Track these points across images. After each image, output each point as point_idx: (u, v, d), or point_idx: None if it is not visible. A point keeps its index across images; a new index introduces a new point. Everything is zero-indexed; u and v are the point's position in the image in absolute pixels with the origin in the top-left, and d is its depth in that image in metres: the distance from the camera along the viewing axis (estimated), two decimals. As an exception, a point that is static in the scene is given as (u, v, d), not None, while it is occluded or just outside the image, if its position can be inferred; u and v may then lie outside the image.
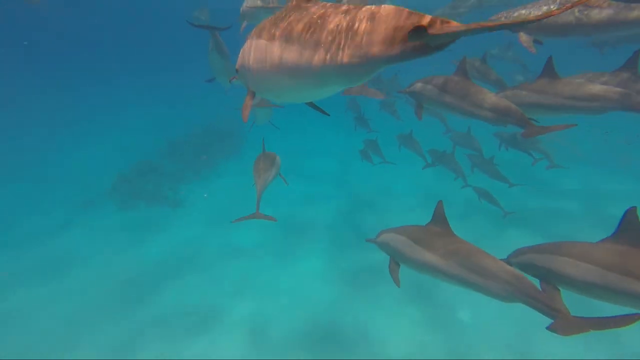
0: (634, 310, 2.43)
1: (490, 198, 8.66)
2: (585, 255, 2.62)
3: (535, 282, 2.89)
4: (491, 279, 2.78)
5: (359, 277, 7.35)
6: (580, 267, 2.60)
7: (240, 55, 2.55)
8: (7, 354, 5.85)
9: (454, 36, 1.36)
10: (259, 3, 6.28)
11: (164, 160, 13.22)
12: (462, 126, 9.27)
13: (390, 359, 5.63)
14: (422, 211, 9.56)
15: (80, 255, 8.45)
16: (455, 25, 1.35)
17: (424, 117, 5.78)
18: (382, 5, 1.56)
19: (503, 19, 4.30)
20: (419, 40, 1.40)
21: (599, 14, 3.65)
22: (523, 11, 4.05)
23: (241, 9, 6.47)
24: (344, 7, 1.72)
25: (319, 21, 1.76)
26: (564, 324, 2.48)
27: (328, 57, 1.69)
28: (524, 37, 4.09)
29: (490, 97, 3.72)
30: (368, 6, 1.61)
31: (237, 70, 2.68)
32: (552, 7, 3.94)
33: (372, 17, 1.55)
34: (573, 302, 2.91)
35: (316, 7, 1.91)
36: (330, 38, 1.67)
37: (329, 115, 3.00)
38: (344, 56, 1.63)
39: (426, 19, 1.41)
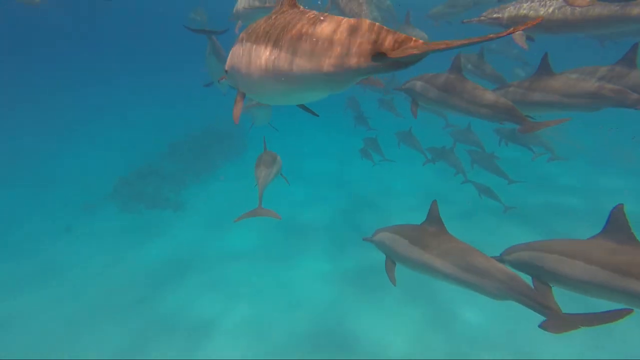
0: (622, 306, 2.45)
1: (491, 193, 8.69)
2: (575, 253, 2.64)
3: (528, 279, 2.90)
4: (485, 277, 2.82)
5: (360, 277, 7.34)
6: (570, 264, 2.62)
7: (229, 56, 2.58)
8: (8, 355, 5.91)
9: (416, 57, 1.44)
10: (257, 3, 6.25)
11: (164, 162, 13.24)
12: (462, 121, 9.24)
13: (391, 359, 5.64)
14: (423, 210, 9.50)
15: (81, 258, 8.46)
16: (415, 46, 1.43)
17: (422, 114, 5.75)
18: (360, 19, 1.63)
19: (495, 15, 4.28)
20: (382, 62, 1.49)
21: (592, 11, 3.62)
22: (511, 8, 4.02)
23: (234, 9, 6.45)
24: (327, 17, 1.78)
25: (303, 28, 1.80)
26: (555, 322, 2.51)
27: (311, 64, 1.74)
28: (516, 35, 4.08)
29: (485, 94, 3.72)
30: (347, 18, 1.69)
31: (226, 71, 2.71)
32: (547, 4, 3.91)
33: (350, 30, 1.62)
34: (570, 299, 2.90)
35: (302, 14, 1.95)
36: (313, 46, 1.72)
37: (317, 115, 3.05)
38: (325, 65, 1.68)
39: (388, 42, 1.50)
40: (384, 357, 5.64)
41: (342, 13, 6.52)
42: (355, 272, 7.49)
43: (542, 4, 3.96)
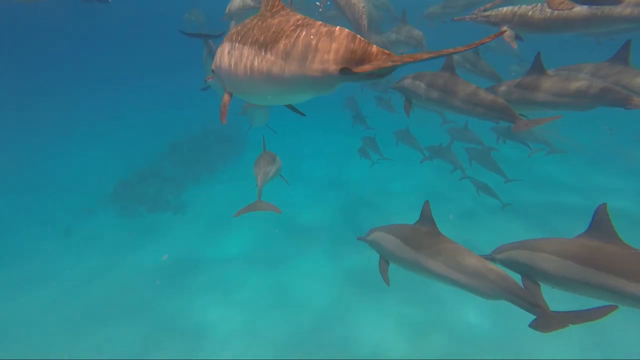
0: (607, 303, 2.53)
1: (489, 190, 8.72)
2: (562, 251, 2.71)
3: (518, 277, 2.94)
4: (476, 277, 2.86)
5: (360, 277, 7.33)
6: (557, 262, 2.69)
7: (216, 56, 2.61)
8: (7, 356, 5.95)
9: (383, 71, 1.50)
10: (251, 3, 6.29)
11: (164, 164, 13.24)
12: (460, 118, 9.25)
13: (391, 359, 5.64)
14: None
15: (80, 262, 8.46)
16: (382, 61, 1.50)
17: (420, 112, 5.77)
18: (339, 27, 1.70)
19: (485, 13, 4.30)
20: (351, 76, 1.54)
21: (580, 12, 3.63)
22: (504, 9, 4.04)
23: (227, 9, 6.48)
24: (313, 22, 1.84)
25: (289, 31, 1.85)
26: (545, 320, 2.58)
27: (295, 68, 1.78)
28: (506, 33, 4.09)
29: (478, 93, 3.73)
30: (330, 26, 1.74)
31: (213, 71, 2.74)
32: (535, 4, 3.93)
33: (331, 36, 1.68)
34: (560, 298, 2.91)
35: (289, 17, 1.99)
36: (298, 50, 1.77)
37: (304, 115, 3.11)
38: (309, 69, 1.73)
39: (356, 56, 1.58)
40: (384, 358, 5.65)
41: (340, 9, 6.56)
42: (355, 273, 7.50)
43: (531, 4, 3.97)
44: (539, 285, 2.85)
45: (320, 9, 7.49)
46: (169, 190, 11.60)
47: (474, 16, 4.41)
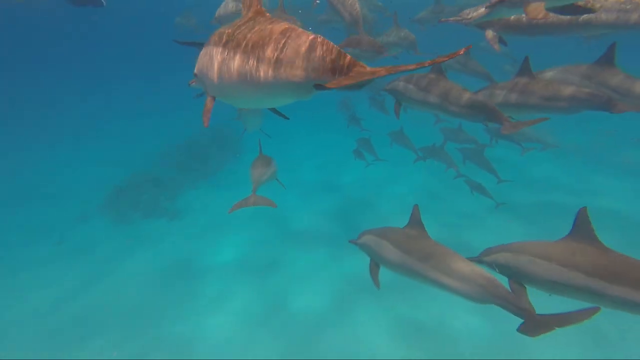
0: (590, 305, 2.60)
1: (483, 190, 8.79)
2: (545, 254, 2.78)
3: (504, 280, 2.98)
4: (465, 281, 2.92)
5: (356, 281, 7.26)
6: (541, 265, 2.76)
7: (198, 59, 2.62)
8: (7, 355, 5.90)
9: (355, 86, 1.55)
10: (241, 8, 6.30)
11: (159, 170, 13.13)
12: (452, 118, 9.32)
13: (391, 359, 5.63)
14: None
15: (73, 271, 8.33)
16: (358, 74, 1.56)
17: (414, 113, 5.81)
18: (320, 36, 1.75)
19: (470, 16, 4.37)
20: (325, 89, 1.58)
21: (561, 17, 3.70)
22: (482, 9, 4.07)
23: (217, 13, 6.49)
24: (293, 27, 1.88)
25: (270, 37, 1.88)
26: (533, 324, 2.63)
27: (276, 73, 1.82)
28: (489, 35, 4.16)
29: (467, 95, 3.79)
30: (310, 33, 1.78)
31: (195, 75, 2.74)
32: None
33: (311, 44, 1.72)
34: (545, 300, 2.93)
35: (269, 23, 2.02)
36: (278, 55, 1.80)
37: (288, 118, 3.15)
38: (290, 75, 1.77)
39: (334, 65, 1.63)
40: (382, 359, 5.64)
41: (333, 7, 6.62)
42: (351, 276, 7.41)
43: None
44: (525, 287, 2.90)
45: (315, 4, 7.52)
46: (164, 196, 11.51)
47: (459, 19, 4.49)
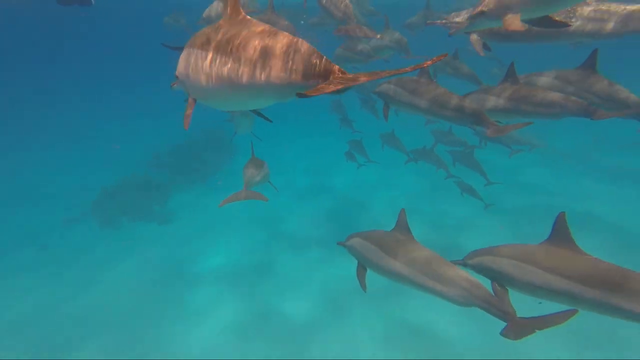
0: (568, 308, 2.68)
1: (472, 191, 8.94)
2: (525, 257, 2.86)
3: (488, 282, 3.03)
4: (450, 285, 2.97)
5: (348, 284, 7.21)
6: (521, 268, 2.84)
7: (179, 62, 2.62)
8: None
9: (336, 91, 1.54)
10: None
11: (150, 173, 12.98)
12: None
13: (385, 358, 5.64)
14: (410, 213, 9.57)
15: (57, 277, 8.10)
16: (339, 80, 1.57)
17: (403, 115, 5.84)
18: (302, 40, 1.76)
19: (456, 19, 4.44)
20: (306, 97, 1.58)
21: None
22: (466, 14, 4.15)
23: (205, 14, 6.48)
24: (273, 30, 1.89)
25: (251, 40, 1.89)
26: (515, 328, 2.69)
27: (256, 74, 1.83)
28: (474, 39, 4.24)
29: (454, 99, 3.88)
30: (292, 36, 1.80)
31: (176, 77, 2.73)
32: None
33: (293, 47, 1.74)
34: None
35: (251, 25, 2.03)
36: (259, 57, 1.82)
37: (271, 121, 3.18)
38: (269, 77, 1.78)
39: (315, 70, 1.64)
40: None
41: (323, 7, 6.67)
42: (345, 279, 7.32)
43: None
44: (507, 290, 2.97)
45: (305, 4, 7.54)
46: (154, 200, 11.37)
47: (445, 21, 4.55)
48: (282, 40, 1.79)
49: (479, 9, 3.43)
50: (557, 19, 3.43)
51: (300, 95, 1.56)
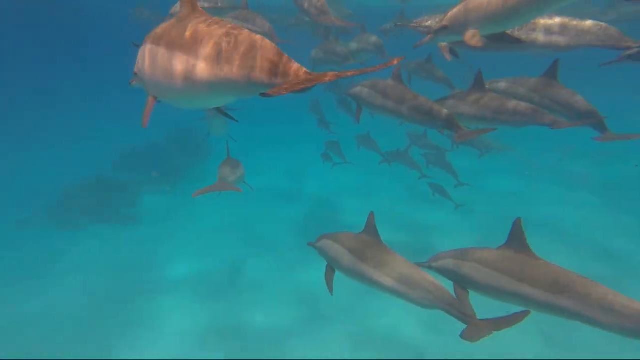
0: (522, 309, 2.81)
1: (444, 192, 9.22)
2: (484, 261, 3.00)
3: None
4: (414, 288, 3.04)
5: (318, 290, 7.06)
6: (481, 271, 2.97)
7: (138, 58, 2.54)
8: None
9: (300, 91, 1.55)
10: (205, 5, 6.14)
11: (116, 174, 12.43)
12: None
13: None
14: (380, 217, 9.69)
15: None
16: (302, 79, 1.57)
17: (379, 117, 5.88)
18: (262, 37, 1.75)
19: (425, 24, 4.55)
20: (269, 96, 1.57)
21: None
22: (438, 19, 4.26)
23: (172, 10, 6.27)
24: (231, 26, 1.87)
25: (210, 35, 1.86)
26: (473, 329, 2.79)
27: (214, 71, 1.81)
28: (441, 45, 4.39)
29: (424, 102, 3.99)
30: (254, 34, 1.78)
31: (135, 74, 2.65)
32: None
33: (254, 44, 1.71)
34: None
35: (206, 20, 2.00)
36: (218, 54, 1.79)
37: (237, 121, 3.20)
38: (229, 73, 1.76)
39: (277, 68, 1.63)
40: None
41: (300, 8, 6.65)
42: (315, 285, 6.89)
43: None
44: (468, 293, 3.10)
45: None
46: (118, 201, 10.83)
47: (415, 25, 4.65)
48: (241, 37, 1.76)
49: (441, 24, 3.55)
50: (512, 35, 3.69)
51: (263, 95, 1.54)
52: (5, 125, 18.22)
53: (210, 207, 10.11)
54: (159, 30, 2.29)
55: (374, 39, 7.55)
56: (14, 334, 6.28)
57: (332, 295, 3.70)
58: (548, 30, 3.96)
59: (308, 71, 1.61)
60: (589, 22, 3.85)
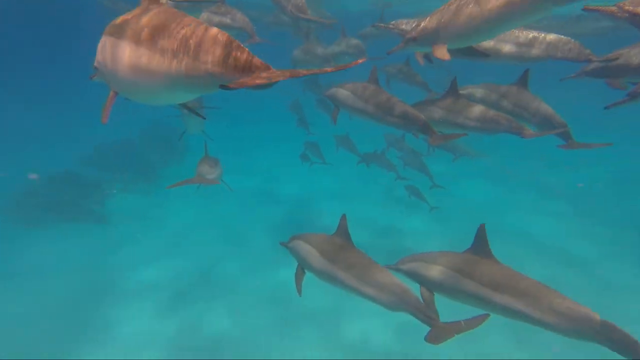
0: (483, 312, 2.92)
1: (419, 195, 9.42)
2: (449, 264, 3.10)
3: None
4: (382, 290, 3.11)
5: (290, 296, 6.96)
6: (445, 274, 3.08)
7: (98, 51, 2.45)
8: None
9: (260, 87, 1.55)
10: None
11: (87, 171, 11.86)
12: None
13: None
14: (353, 218, 9.80)
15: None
16: (264, 75, 1.56)
17: (357, 120, 5.92)
18: (223, 32, 1.73)
19: (402, 27, 4.64)
20: (228, 89, 1.56)
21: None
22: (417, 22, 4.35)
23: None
24: (191, 19, 1.85)
25: (171, 29, 1.83)
26: (436, 332, 2.87)
27: (173, 65, 1.78)
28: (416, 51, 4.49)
29: (400, 106, 4.09)
30: (214, 28, 1.76)
31: (95, 68, 2.55)
32: None
33: (214, 38, 1.69)
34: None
35: (165, 12, 1.98)
36: (177, 47, 1.76)
37: (205, 118, 3.21)
38: (188, 67, 1.73)
39: (238, 63, 1.61)
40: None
41: (278, 5, 6.59)
42: (288, 290, 7.06)
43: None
44: (434, 295, 3.20)
45: None
46: (89, 199, 10.38)
47: (392, 27, 4.74)
48: (201, 31, 1.74)
49: (411, 34, 3.63)
50: (479, 49, 3.87)
51: (222, 87, 1.53)
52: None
53: (185, 207, 9.90)
54: (117, 21, 2.21)
55: (354, 41, 7.61)
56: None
57: (300, 296, 3.73)
58: (514, 43, 4.13)
59: (270, 66, 1.60)
60: (552, 36, 4.04)
